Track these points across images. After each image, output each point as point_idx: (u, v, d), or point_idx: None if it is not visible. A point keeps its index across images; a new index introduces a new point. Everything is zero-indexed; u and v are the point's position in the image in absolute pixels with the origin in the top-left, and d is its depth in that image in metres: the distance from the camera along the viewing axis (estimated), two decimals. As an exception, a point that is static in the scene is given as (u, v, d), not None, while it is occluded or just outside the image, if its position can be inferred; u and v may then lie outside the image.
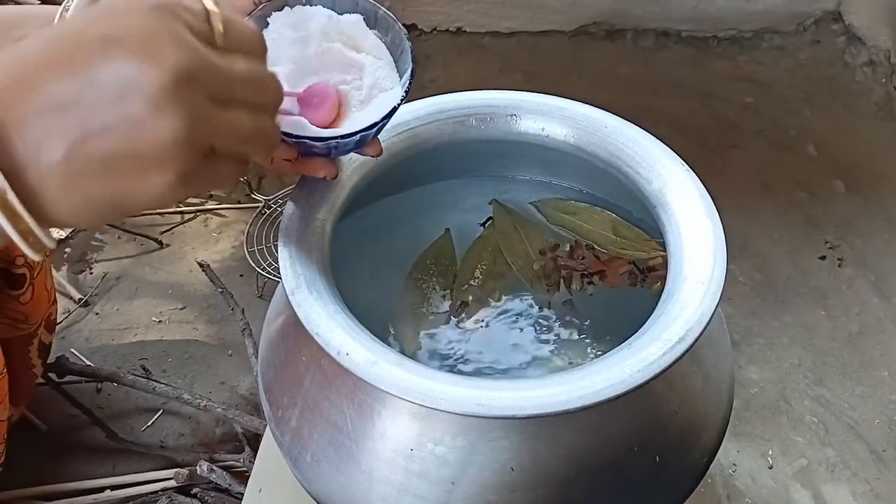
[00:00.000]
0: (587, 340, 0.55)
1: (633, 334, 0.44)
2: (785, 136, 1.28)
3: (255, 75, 0.35)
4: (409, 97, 0.49)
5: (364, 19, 0.49)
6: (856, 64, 1.40)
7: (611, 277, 0.57)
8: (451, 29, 1.48)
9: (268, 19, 0.48)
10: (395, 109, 0.47)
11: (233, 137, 0.34)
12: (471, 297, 0.57)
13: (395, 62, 0.50)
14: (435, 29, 1.48)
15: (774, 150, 1.26)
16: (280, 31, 0.48)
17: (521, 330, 0.56)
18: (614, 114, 0.55)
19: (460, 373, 0.53)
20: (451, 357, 0.54)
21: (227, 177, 0.35)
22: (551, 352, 0.54)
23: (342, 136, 0.46)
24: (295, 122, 0.47)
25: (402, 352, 0.51)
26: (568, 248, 0.59)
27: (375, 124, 0.47)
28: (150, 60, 0.30)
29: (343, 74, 0.49)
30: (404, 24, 0.50)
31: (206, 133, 0.32)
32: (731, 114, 1.32)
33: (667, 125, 1.24)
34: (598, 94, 0.57)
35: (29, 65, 0.31)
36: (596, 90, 1.35)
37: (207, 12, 0.34)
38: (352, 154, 0.53)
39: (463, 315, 0.56)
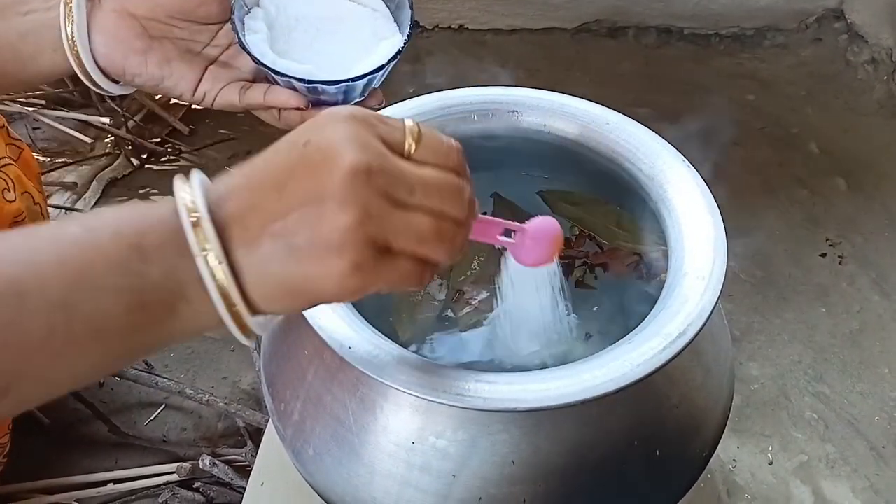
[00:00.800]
0: (577, 334, 0.55)
1: (622, 327, 0.44)
2: (786, 134, 1.28)
3: (442, 182, 0.37)
4: (413, 95, 0.51)
5: None
6: (858, 62, 1.40)
7: (615, 266, 0.57)
8: (452, 26, 1.48)
9: None
10: (399, 53, 0.51)
11: (409, 237, 0.35)
12: (466, 288, 0.57)
13: (391, 13, 0.54)
14: (437, 26, 1.48)
15: (776, 147, 1.26)
16: None
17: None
18: (616, 110, 0.56)
19: (439, 358, 0.53)
20: (442, 345, 0.55)
21: (405, 276, 0.36)
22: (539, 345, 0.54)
23: (352, 79, 0.50)
24: (305, 69, 0.50)
25: (397, 337, 0.52)
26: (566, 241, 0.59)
27: (382, 67, 0.50)
28: (335, 151, 0.34)
29: (343, 23, 0.53)
30: None
31: (379, 227, 0.34)
32: (732, 111, 1.32)
33: (668, 123, 1.24)
34: (599, 92, 0.57)
35: (255, 189, 0.35)
36: (598, 87, 1.35)
37: (405, 126, 0.37)
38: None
39: (458, 305, 0.56)
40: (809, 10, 1.45)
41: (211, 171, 0.36)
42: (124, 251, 0.34)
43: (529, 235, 0.43)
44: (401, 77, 1.50)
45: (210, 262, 0.34)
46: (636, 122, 0.55)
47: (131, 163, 1.21)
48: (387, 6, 0.55)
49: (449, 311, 0.57)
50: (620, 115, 0.55)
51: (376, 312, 0.56)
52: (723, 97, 1.35)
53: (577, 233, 0.59)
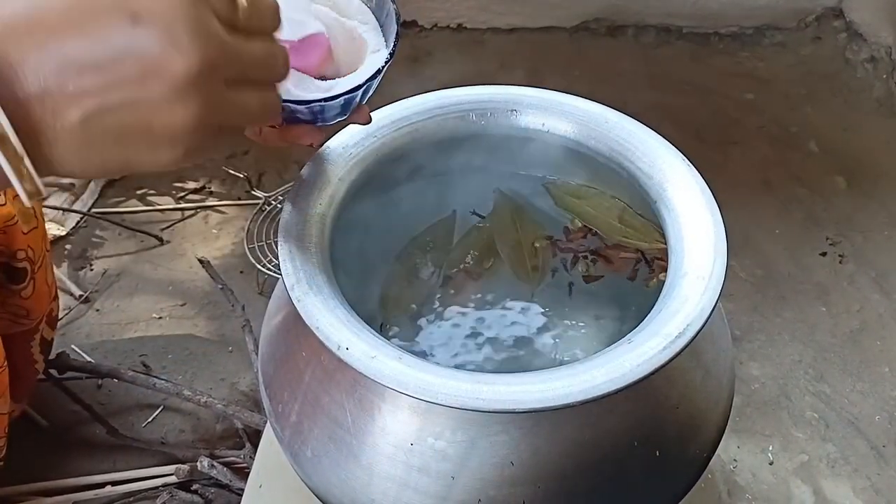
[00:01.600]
0: (562, 333, 0.55)
1: (616, 327, 0.44)
2: (786, 133, 1.28)
3: (268, 54, 0.36)
4: (411, 94, 0.48)
5: None
6: (857, 60, 1.40)
7: (616, 263, 0.57)
8: (451, 25, 1.48)
9: None
10: (380, 71, 0.46)
11: (241, 117, 0.35)
12: (457, 277, 0.57)
13: (380, 26, 0.49)
14: (435, 25, 1.48)
15: (775, 146, 1.26)
16: None
17: (502, 315, 0.56)
18: (615, 109, 0.55)
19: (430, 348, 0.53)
20: (429, 334, 0.55)
21: (227, 147, 0.36)
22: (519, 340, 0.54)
23: (326, 99, 0.45)
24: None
25: (386, 323, 0.51)
26: (564, 230, 0.59)
27: (360, 86, 0.46)
28: (175, 46, 0.31)
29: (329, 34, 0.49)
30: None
31: (217, 116, 0.34)
32: (731, 110, 1.32)
33: (668, 121, 1.24)
34: (599, 91, 0.57)
35: (46, 14, 0.30)
36: (597, 86, 1.34)
37: None
38: (351, 150, 0.53)
39: (448, 291, 0.57)
40: (808, 8, 1.45)
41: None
42: None
43: (294, 47, 0.44)
44: (399, 76, 1.50)
45: None
46: (635, 121, 0.54)
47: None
48: (375, 17, 0.50)
49: (435, 295, 0.57)
50: (619, 113, 0.55)
51: (375, 314, 0.56)
52: (722, 96, 1.34)
53: (579, 226, 0.59)
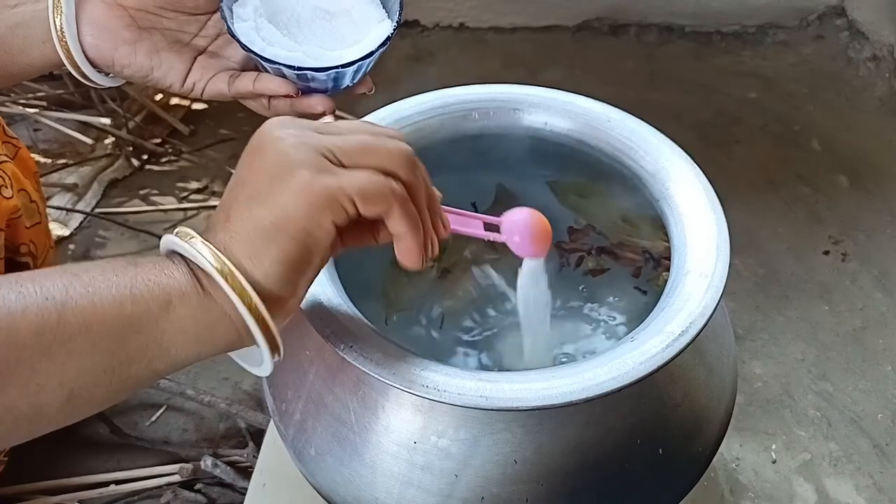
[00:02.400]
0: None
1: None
2: (788, 132, 1.28)
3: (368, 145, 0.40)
4: (414, 94, 0.51)
5: None
6: (859, 59, 1.40)
7: (621, 259, 0.57)
8: (453, 25, 1.48)
9: None
10: (388, 40, 0.51)
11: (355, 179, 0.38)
12: (456, 270, 0.58)
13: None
14: (437, 25, 1.48)
15: (778, 145, 1.25)
16: None
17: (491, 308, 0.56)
18: (618, 108, 0.55)
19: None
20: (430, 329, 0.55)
21: (368, 181, 0.38)
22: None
23: (341, 66, 0.50)
24: (295, 56, 0.50)
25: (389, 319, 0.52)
26: (567, 230, 0.59)
27: (371, 53, 0.51)
28: (270, 140, 0.38)
29: (331, 11, 0.53)
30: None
31: (322, 151, 0.38)
32: (734, 109, 1.32)
33: (670, 120, 1.24)
34: (601, 90, 0.57)
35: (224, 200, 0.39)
36: (599, 85, 1.34)
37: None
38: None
39: (448, 284, 0.57)
40: (811, 7, 1.45)
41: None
42: (119, 262, 0.36)
43: (517, 231, 0.47)
44: (402, 76, 1.50)
45: (197, 247, 0.36)
46: (638, 119, 0.55)
47: (132, 164, 1.21)
48: None
49: (431, 286, 0.57)
50: (622, 112, 0.55)
51: (378, 311, 0.56)
52: (725, 95, 1.34)
53: (584, 225, 0.59)
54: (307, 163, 0.37)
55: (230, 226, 0.37)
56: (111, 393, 0.37)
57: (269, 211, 0.37)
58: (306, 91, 0.52)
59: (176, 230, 0.38)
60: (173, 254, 0.38)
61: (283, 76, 0.52)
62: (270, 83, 0.53)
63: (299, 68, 0.50)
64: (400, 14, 0.52)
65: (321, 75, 0.50)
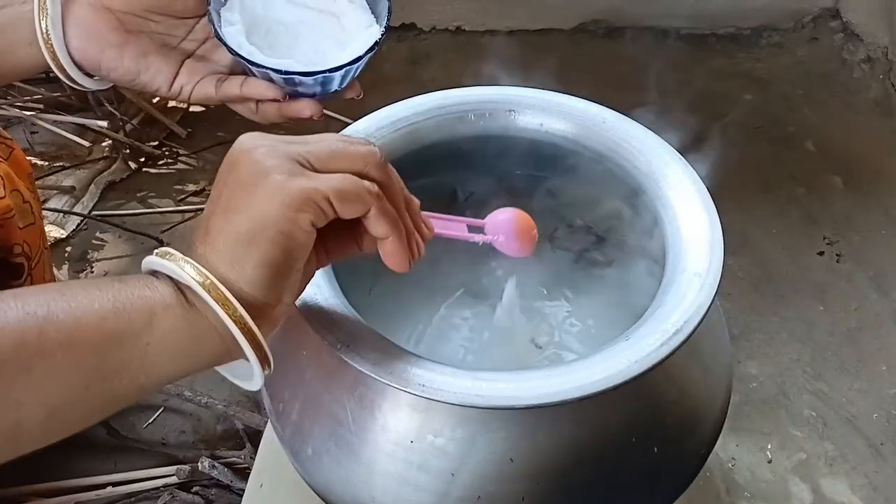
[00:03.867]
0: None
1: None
2: (783, 133, 1.28)
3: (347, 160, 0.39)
4: (410, 96, 0.51)
5: None
6: (854, 61, 1.40)
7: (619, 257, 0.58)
8: (450, 28, 1.48)
9: None
10: (376, 44, 0.51)
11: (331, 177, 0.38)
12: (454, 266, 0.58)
13: (368, 4, 0.54)
14: (434, 28, 1.48)
15: (773, 146, 1.26)
16: None
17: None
18: (613, 110, 0.56)
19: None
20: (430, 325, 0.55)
21: (346, 182, 0.38)
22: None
23: (329, 70, 0.50)
24: (283, 61, 0.50)
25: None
26: (567, 228, 0.59)
27: (360, 58, 0.50)
28: (241, 150, 0.38)
29: (320, 16, 0.53)
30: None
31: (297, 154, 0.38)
32: (729, 110, 1.32)
33: (665, 122, 1.25)
34: (597, 93, 0.58)
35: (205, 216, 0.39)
36: (595, 88, 1.33)
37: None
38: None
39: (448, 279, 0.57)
40: (805, 9, 1.45)
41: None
42: (104, 279, 0.37)
43: (502, 231, 0.48)
44: (398, 78, 1.50)
45: (177, 262, 0.36)
46: (633, 121, 0.55)
47: (129, 166, 1.21)
48: None
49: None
50: (617, 113, 0.56)
51: (375, 312, 0.56)
52: (720, 97, 1.35)
53: (580, 224, 0.60)
54: (280, 168, 0.37)
55: (209, 238, 0.37)
56: (94, 409, 0.36)
57: (246, 217, 0.36)
58: (294, 95, 0.52)
59: (156, 251, 0.38)
60: (156, 273, 0.38)
61: (271, 80, 0.52)
62: (258, 87, 0.53)
63: (286, 73, 0.50)
64: (388, 19, 0.52)
65: (308, 80, 0.50)
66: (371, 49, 0.51)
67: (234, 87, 0.54)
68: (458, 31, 1.48)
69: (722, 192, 0.51)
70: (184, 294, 0.37)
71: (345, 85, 0.53)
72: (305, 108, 0.52)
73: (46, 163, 1.20)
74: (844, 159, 1.23)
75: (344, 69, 0.50)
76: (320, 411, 0.47)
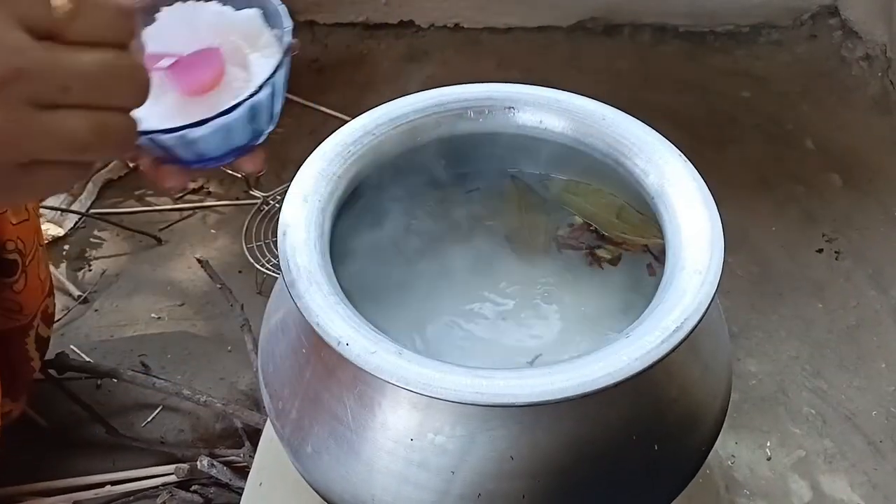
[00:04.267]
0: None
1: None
2: (782, 131, 1.28)
3: (105, 70, 0.30)
4: (412, 91, 0.48)
5: (262, 14, 0.42)
6: (852, 58, 1.40)
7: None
8: (448, 25, 1.48)
9: (156, 14, 0.41)
10: (254, 95, 0.38)
11: (62, 148, 0.30)
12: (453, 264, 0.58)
13: (271, 32, 0.42)
14: (432, 25, 1.48)
15: (771, 144, 1.26)
16: (168, 26, 0.41)
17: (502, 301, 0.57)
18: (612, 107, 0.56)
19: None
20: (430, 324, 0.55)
21: (52, 185, 0.31)
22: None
23: (193, 125, 0.37)
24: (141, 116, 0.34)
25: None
26: (568, 227, 0.59)
27: (233, 108, 0.37)
28: None
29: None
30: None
31: (24, 146, 0.29)
32: (728, 108, 1.32)
33: (664, 120, 1.25)
34: (595, 90, 0.57)
35: None
36: (593, 85, 1.34)
37: None
38: (350, 148, 0.53)
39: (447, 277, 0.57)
40: (804, 6, 1.45)
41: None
42: None
43: (183, 62, 0.37)
44: (397, 76, 1.51)
45: None
46: (632, 118, 0.55)
47: (127, 164, 1.20)
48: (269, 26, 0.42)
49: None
50: (616, 110, 0.55)
51: (375, 309, 0.56)
52: (718, 94, 1.35)
53: (580, 223, 0.59)
54: None
55: None
56: None
57: None
58: (167, 161, 0.39)
59: None
60: None
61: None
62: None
63: (142, 132, 0.35)
64: (271, 78, 0.38)
65: (167, 138, 0.37)
66: (234, 107, 0.37)
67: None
68: (457, 28, 1.48)
69: (720, 190, 0.51)
70: None
71: (237, 155, 0.40)
72: (167, 177, 0.40)
73: (44, 161, 1.20)
74: (843, 157, 1.23)
75: (211, 124, 0.37)
76: (320, 409, 0.47)
